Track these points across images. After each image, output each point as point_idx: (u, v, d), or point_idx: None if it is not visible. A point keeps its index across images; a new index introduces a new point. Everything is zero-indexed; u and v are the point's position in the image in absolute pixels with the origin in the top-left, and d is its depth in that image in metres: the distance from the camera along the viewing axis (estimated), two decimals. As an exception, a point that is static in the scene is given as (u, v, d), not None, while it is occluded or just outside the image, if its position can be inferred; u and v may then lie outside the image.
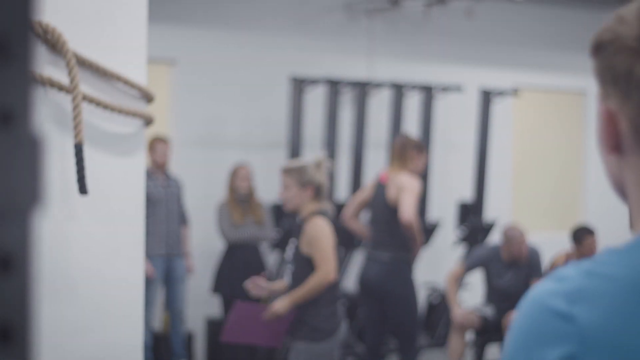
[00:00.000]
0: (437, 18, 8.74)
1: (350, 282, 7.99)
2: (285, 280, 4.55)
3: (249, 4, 8.11)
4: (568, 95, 9.77)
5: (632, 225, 0.98)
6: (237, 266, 7.05)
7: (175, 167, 7.66)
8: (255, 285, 4.52)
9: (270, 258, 7.57)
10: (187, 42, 7.90)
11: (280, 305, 4.34)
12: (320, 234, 4.43)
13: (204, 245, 7.68)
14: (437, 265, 8.51)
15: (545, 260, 7.06)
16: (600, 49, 0.95)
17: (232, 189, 7.18)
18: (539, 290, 0.94)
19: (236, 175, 7.21)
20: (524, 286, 6.63)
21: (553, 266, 6.73)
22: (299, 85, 7.57)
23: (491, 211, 8.76)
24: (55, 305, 2.75)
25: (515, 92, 8.53)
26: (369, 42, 8.55)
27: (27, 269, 0.53)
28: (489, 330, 6.82)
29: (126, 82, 2.90)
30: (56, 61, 2.70)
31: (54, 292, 2.74)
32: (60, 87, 2.70)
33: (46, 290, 2.68)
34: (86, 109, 2.78)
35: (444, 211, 8.54)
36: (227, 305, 7.09)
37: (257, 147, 8.06)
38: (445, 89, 8.19)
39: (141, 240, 2.96)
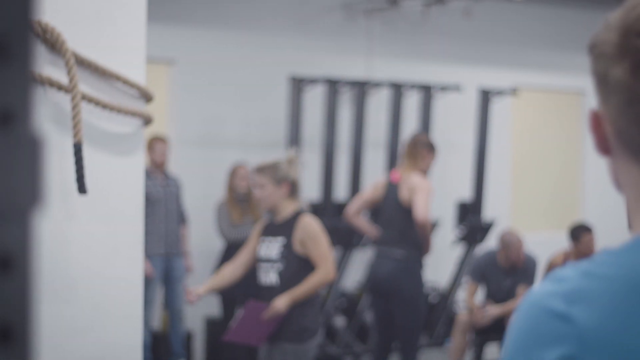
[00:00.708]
0: (435, 18, 8.74)
1: (350, 281, 7.99)
2: (265, 279, 4.48)
3: (248, 4, 8.11)
4: (567, 95, 9.77)
5: (630, 226, 0.99)
6: (236, 266, 7.05)
7: (175, 167, 7.66)
8: (191, 294, 4.48)
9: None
10: (186, 42, 7.90)
11: (282, 303, 4.32)
12: (318, 233, 4.42)
13: (203, 244, 7.68)
14: (436, 264, 8.51)
15: (543, 260, 7.06)
16: (589, 53, 0.98)
17: (231, 188, 7.18)
18: (537, 291, 0.94)
19: (235, 174, 7.21)
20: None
21: (551, 266, 6.73)
22: (298, 84, 7.57)
23: (490, 211, 8.77)
24: (55, 305, 2.75)
25: (514, 91, 8.53)
26: (368, 42, 8.55)
27: (28, 269, 0.53)
28: (488, 330, 6.82)
29: (125, 82, 2.90)
30: (55, 61, 2.70)
31: (53, 291, 2.74)
32: (60, 87, 2.70)
33: (45, 290, 2.68)
34: (85, 108, 2.78)
35: (443, 211, 8.54)
36: (226, 304, 7.09)
37: (256, 147, 8.06)
38: (444, 88, 8.19)
39: (140, 239, 2.96)
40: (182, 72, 7.91)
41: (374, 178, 8.00)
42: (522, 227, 9.46)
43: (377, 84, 7.91)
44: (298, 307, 4.38)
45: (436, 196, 8.62)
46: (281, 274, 4.41)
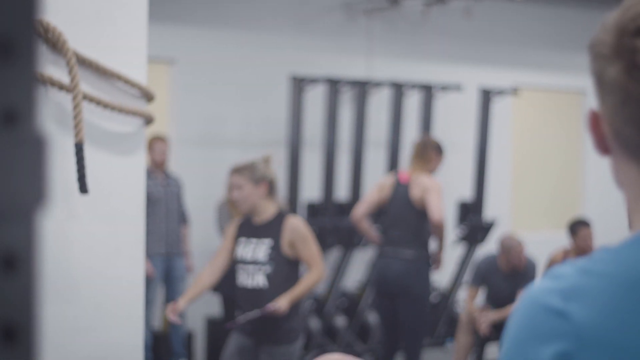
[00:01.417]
0: (436, 17, 8.74)
1: (350, 281, 7.99)
2: (250, 281, 4.46)
3: (248, 4, 8.11)
4: (568, 95, 9.77)
5: (629, 224, 1.00)
6: (236, 265, 7.05)
7: (175, 167, 7.66)
8: (171, 313, 4.45)
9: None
10: (186, 42, 7.90)
11: (284, 304, 4.30)
12: (307, 233, 4.42)
13: (204, 244, 7.68)
14: (436, 264, 8.51)
15: (543, 260, 7.06)
16: (589, 54, 0.99)
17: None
18: (535, 288, 0.95)
19: (236, 174, 7.21)
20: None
21: (551, 263, 6.73)
22: (299, 84, 7.57)
23: (491, 210, 8.76)
24: (56, 305, 2.75)
25: (514, 91, 8.53)
26: (368, 42, 8.55)
27: (32, 268, 0.53)
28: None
29: (126, 81, 2.90)
30: (56, 60, 2.70)
31: (55, 291, 2.75)
32: (61, 87, 2.70)
33: (47, 289, 2.68)
34: (86, 108, 2.78)
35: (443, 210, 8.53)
36: (227, 304, 7.09)
37: (257, 147, 8.06)
38: (445, 88, 8.19)
39: (142, 239, 2.96)
40: (183, 72, 7.91)
41: (374, 178, 7.99)
42: (522, 226, 9.46)
43: (377, 84, 7.90)
44: (288, 309, 4.38)
45: (437, 196, 8.63)
46: (270, 277, 4.38)
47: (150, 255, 6.70)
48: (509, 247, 6.59)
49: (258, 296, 4.38)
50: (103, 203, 2.87)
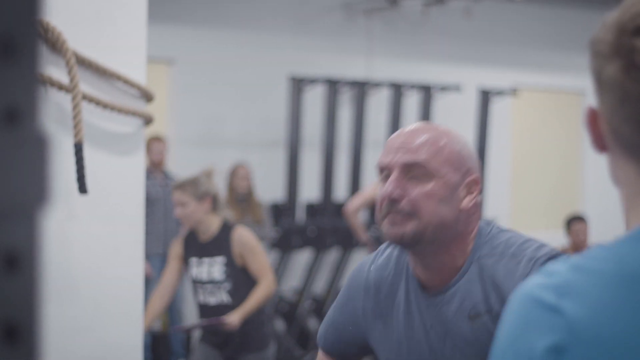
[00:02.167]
0: (435, 18, 8.74)
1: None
2: (212, 299, 4.44)
3: (248, 4, 8.11)
4: (567, 95, 9.78)
5: (626, 223, 1.01)
6: (236, 265, 7.05)
7: (174, 167, 7.66)
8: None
9: (269, 257, 7.57)
10: (185, 42, 7.90)
11: (236, 320, 4.28)
12: (254, 244, 4.39)
13: (203, 244, 7.68)
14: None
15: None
16: (589, 52, 1.00)
17: (231, 188, 7.18)
18: (528, 284, 0.96)
19: (235, 174, 7.21)
20: None
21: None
22: (298, 84, 7.57)
23: (490, 210, 8.77)
24: (55, 305, 2.75)
25: (514, 91, 8.53)
26: (367, 42, 8.55)
27: (34, 268, 0.53)
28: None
29: (126, 82, 2.90)
30: (56, 60, 2.70)
31: (54, 291, 2.75)
32: (60, 87, 2.70)
33: (46, 289, 2.68)
34: (86, 108, 2.78)
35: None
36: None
37: (256, 147, 8.06)
38: (444, 88, 8.19)
39: (141, 239, 2.96)
40: (182, 72, 7.91)
41: (373, 178, 7.99)
42: (521, 226, 9.46)
43: (377, 84, 7.91)
44: (256, 318, 4.37)
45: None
46: (231, 292, 4.37)
47: (148, 255, 6.70)
48: None
49: (224, 312, 4.36)
50: (102, 203, 2.87)
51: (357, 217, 6.18)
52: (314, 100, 7.87)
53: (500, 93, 8.42)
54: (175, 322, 7.13)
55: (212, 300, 4.43)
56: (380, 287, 1.94)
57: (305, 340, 7.33)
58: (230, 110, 8.06)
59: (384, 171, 1.83)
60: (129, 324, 2.96)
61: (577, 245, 6.65)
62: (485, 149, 8.39)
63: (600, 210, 9.42)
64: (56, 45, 2.67)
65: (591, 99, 9.46)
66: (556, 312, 0.92)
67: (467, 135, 8.70)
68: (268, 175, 7.94)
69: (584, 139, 9.73)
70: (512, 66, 9.34)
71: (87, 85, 2.81)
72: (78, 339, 2.84)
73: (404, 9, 8.65)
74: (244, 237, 4.39)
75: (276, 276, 7.42)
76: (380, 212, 1.82)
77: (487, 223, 1.89)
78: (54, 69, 2.70)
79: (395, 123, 7.91)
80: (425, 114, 8.11)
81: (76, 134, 2.65)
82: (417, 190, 1.78)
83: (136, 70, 2.94)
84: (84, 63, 2.79)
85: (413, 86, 8.04)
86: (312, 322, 7.41)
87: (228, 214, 4.54)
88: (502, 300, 1.74)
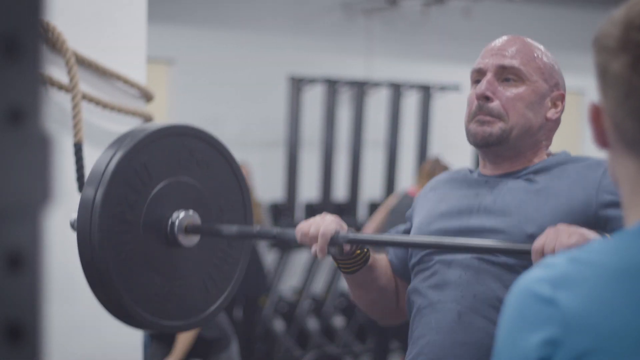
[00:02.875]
0: (435, 18, 8.75)
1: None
2: None
3: (247, 4, 8.11)
4: (566, 95, 9.78)
5: (625, 219, 1.01)
6: (235, 265, 7.05)
7: (174, 167, 7.66)
8: None
9: (269, 257, 7.58)
10: (185, 42, 7.90)
11: None
12: None
13: (202, 244, 7.68)
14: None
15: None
16: (592, 47, 1.00)
17: (231, 188, 7.18)
18: (526, 276, 0.97)
19: (234, 174, 7.21)
20: None
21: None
22: (297, 84, 7.57)
23: (489, 210, 8.77)
24: (55, 304, 2.75)
25: (513, 91, 8.53)
26: (367, 42, 8.55)
27: (37, 267, 0.54)
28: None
29: (126, 81, 2.90)
30: (56, 60, 2.70)
31: (54, 291, 2.75)
32: (60, 86, 2.70)
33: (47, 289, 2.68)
34: (86, 108, 2.78)
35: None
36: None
37: (256, 147, 8.06)
38: (443, 88, 8.19)
39: (141, 239, 2.96)
40: (182, 72, 7.91)
41: (373, 178, 8.00)
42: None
43: (376, 84, 7.91)
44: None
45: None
46: None
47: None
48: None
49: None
50: (102, 203, 2.87)
51: None
52: (314, 100, 7.87)
53: (499, 93, 8.41)
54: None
55: None
56: (438, 185, 2.03)
57: (304, 340, 7.34)
58: (230, 110, 8.06)
59: (476, 75, 1.94)
60: (128, 323, 2.96)
61: None
62: (484, 148, 8.39)
63: (600, 210, 9.42)
64: (56, 45, 2.67)
65: (590, 99, 9.46)
66: (551, 304, 0.92)
67: (467, 135, 8.71)
68: (267, 175, 7.94)
69: (584, 138, 9.74)
70: (511, 66, 9.35)
71: (87, 85, 2.81)
72: (78, 338, 2.84)
73: (403, 9, 8.65)
74: None
75: (276, 276, 7.42)
76: (469, 112, 1.92)
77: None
78: (54, 69, 2.70)
79: (394, 123, 7.91)
80: (425, 114, 8.11)
81: (76, 134, 2.66)
82: (508, 92, 1.88)
83: (136, 70, 2.94)
84: (84, 63, 2.79)
85: (412, 86, 8.05)
86: (311, 322, 7.41)
87: None
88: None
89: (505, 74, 1.90)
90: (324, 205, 7.60)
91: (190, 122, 6.99)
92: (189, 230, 2.11)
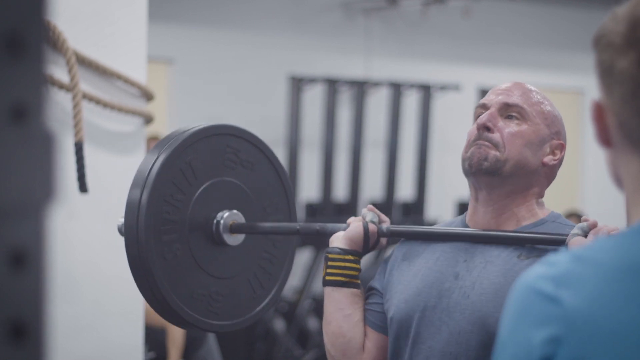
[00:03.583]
0: (435, 17, 8.75)
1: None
2: None
3: (247, 4, 8.11)
4: (566, 95, 9.78)
5: (628, 218, 1.01)
6: (235, 265, 7.05)
7: (174, 166, 7.65)
8: None
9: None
10: (185, 41, 7.90)
11: None
12: None
13: (202, 244, 7.68)
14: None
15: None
16: (594, 45, 0.99)
17: (231, 187, 7.18)
18: (529, 274, 0.97)
19: (234, 174, 7.21)
20: None
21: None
22: (297, 84, 7.57)
23: (489, 210, 8.76)
24: (56, 304, 2.75)
25: (513, 91, 8.52)
26: (366, 41, 8.55)
27: (41, 265, 0.53)
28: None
29: (126, 81, 2.90)
30: (56, 59, 2.70)
31: (54, 290, 2.75)
32: (61, 86, 2.70)
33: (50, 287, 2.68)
34: (86, 107, 2.78)
35: (442, 210, 8.54)
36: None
37: (255, 146, 8.05)
38: (443, 87, 8.19)
39: (141, 238, 2.96)
40: (181, 72, 7.91)
41: (373, 177, 8.00)
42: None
43: (376, 84, 7.90)
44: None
45: (435, 195, 8.62)
46: None
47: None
48: None
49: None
50: (103, 202, 2.87)
51: None
52: (313, 99, 7.87)
53: (499, 92, 8.41)
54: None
55: None
56: (410, 255, 1.97)
57: (305, 339, 7.34)
58: (229, 110, 8.06)
59: (479, 110, 1.96)
60: (129, 322, 2.96)
61: None
62: (484, 148, 8.39)
63: (599, 209, 9.42)
64: (57, 45, 2.67)
65: (590, 98, 9.46)
66: (554, 302, 0.92)
67: (466, 134, 8.71)
68: (267, 174, 7.93)
69: (583, 137, 9.74)
70: (511, 66, 9.35)
71: (87, 84, 2.81)
72: (78, 337, 2.84)
73: (403, 9, 8.65)
74: None
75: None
76: (467, 143, 1.93)
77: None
78: (54, 68, 2.70)
79: (394, 122, 7.91)
80: (425, 113, 8.11)
81: (76, 133, 2.65)
82: (509, 128, 1.89)
83: (136, 69, 2.94)
84: (85, 62, 2.79)
85: (412, 85, 8.04)
86: (311, 322, 7.41)
87: None
88: None
89: (509, 111, 1.91)
90: (324, 205, 7.60)
91: (191, 122, 6.98)
92: (233, 229, 2.12)
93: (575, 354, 0.90)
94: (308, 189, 7.90)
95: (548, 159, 1.93)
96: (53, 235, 2.70)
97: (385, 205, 7.72)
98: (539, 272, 0.95)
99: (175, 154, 2.06)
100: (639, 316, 0.89)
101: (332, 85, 7.61)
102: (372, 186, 8.08)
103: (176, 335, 4.30)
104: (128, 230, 2.01)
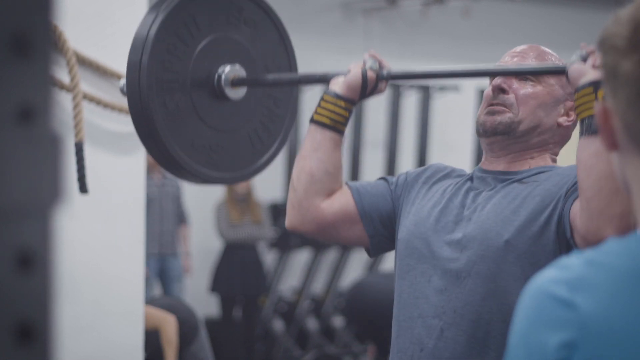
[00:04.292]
0: (434, 17, 8.75)
1: (347, 282, 8.00)
2: None
3: (246, 3, 8.11)
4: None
5: (636, 221, 1.00)
6: (235, 266, 7.05)
7: (173, 166, 7.65)
8: None
9: (268, 257, 7.58)
10: (184, 41, 7.90)
11: None
12: None
13: (202, 244, 7.68)
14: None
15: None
16: (598, 48, 1.00)
17: (230, 188, 7.18)
18: (541, 278, 0.96)
19: (234, 174, 7.20)
20: None
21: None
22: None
23: (488, 210, 8.77)
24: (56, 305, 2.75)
25: (512, 91, 8.53)
26: (366, 41, 8.55)
27: (49, 266, 0.53)
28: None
29: (126, 81, 2.90)
30: (57, 60, 2.70)
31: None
32: (61, 86, 2.70)
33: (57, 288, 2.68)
34: (86, 107, 2.78)
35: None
36: (225, 304, 7.09)
37: (255, 146, 8.05)
38: (443, 88, 8.19)
39: (141, 238, 2.96)
40: (181, 72, 7.91)
41: (372, 178, 7.99)
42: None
43: (375, 84, 7.90)
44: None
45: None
46: None
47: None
48: None
49: None
50: (103, 202, 2.87)
51: None
52: (313, 100, 7.86)
53: (498, 93, 8.41)
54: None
55: None
56: (437, 172, 2.03)
57: (304, 340, 7.34)
58: (229, 110, 8.06)
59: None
60: (129, 323, 2.96)
61: None
62: (483, 148, 8.39)
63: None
64: (57, 45, 2.67)
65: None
66: (569, 306, 0.91)
67: (466, 134, 8.72)
68: (267, 174, 7.92)
69: (583, 138, 9.75)
70: (510, 66, 9.35)
71: (87, 84, 2.81)
72: (79, 338, 2.84)
73: (402, 9, 8.65)
74: None
75: (275, 276, 7.43)
76: (483, 106, 1.94)
77: None
78: (55, 69, 2.70)
79: (393, 123, 7.91)
80: (424, 114, 8.11)
81: (77, 134, 2.65)
82: (523, 90, 1.92)
83: (137, 69, 2.93)
84: (85, 62, 2.79)
85: (412, 86, 8.05)
86: (311, 322, 7.41)
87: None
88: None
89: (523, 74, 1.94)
90: (323, 205, 7.60)
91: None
92: (235, 82, 2.15)
93: (591, 359, 0.89)
94: (307, 189, 7.89)
95: (562, 119, 1.95)
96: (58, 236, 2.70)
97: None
98: (552, 275, 0.94)
99: (179, 6, 2.07)
100: None
101: (332, 85, 7.61)
102: (372, 186, 8.09)
103: (170, 335, 4.30)
104: (130, 82, 2.03)
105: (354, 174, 7.75)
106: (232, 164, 2.18)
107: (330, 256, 7.77)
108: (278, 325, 7.32)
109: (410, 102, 8.34)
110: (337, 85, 2.00)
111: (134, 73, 2.02)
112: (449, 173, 2.02)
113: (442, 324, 1.83)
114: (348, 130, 7.83)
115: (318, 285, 7.75)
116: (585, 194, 1.69)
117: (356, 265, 7.97)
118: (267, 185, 7.80)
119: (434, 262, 1.87)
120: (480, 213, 1.87)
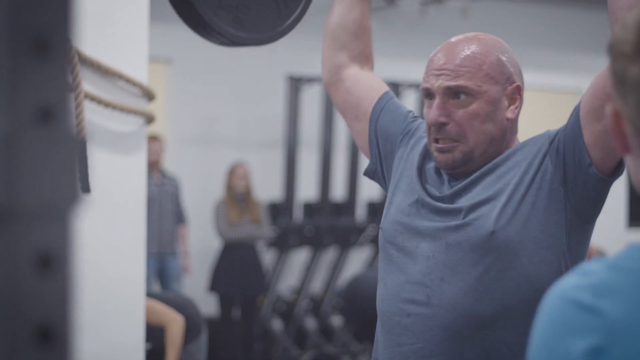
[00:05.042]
0: (433, 17, 8.75)
1: (345, 282, 8.00)
2: None
3: (245, 3, 8.11)
4: (565, 95, 9.80)
5: None
6: (234, 265, 7.05)
7: (172, 166, 7.65)
8: None
9: (267, 257, 7.58)
10: (183, 41, 7.88)
11: None
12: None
13: (201, 244, 7.68)
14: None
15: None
16: (608, 54, 1.00)
17: (230, 187, 7.18)
18: (563, 284, 0.96)
19: (234, 174, 7.21)
20: None
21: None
22: (296, 83, 7.56)
23: (487, 210, 8.77)
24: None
25: (511, 91, 8.53)
26: (365, 41, 8.55)
27: (68, 267, 0.53)
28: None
29: (128, 81, 2.90)
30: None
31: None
32: (63, 86, 2.70)
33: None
34: (88, 107, 2.78)
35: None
36: (224, 304, 7.09)
37: (254, 146, 8.06)
38: (442, 88, 8.19)
39: (142, 238, 2.96)
40: (180, 71, 7.90)
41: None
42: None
43: (374, 84, 7.90)
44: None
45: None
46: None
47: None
48: None
49: None
50: (104, 202, 2.87)
51: None
52: (312, 99, 7.87)
53: (497, 93, 8.42)
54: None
55: None
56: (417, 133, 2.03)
57: (302, 339, 7.34)
58: (228, 110, 8.06)
59: (425, 94, 1.93)
60: (130, 322, 2.96)
61: None
62: (482, 148, 8.40)
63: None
64: (58, 44, 2.67)
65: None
66: (594, 312, 0.91)
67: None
68: (266, 174, 7.93)
69: (581, 138, 9.76)
70: (509, 66, 9.36)
71: (89, 84, 2.81)
72: (80, 337, 2.84)
73: (401, 9, 8.65)
74: None
75: (274, 275, 7.42)
76: (428, 133, 1.89)
77: None
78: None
79: (392, 122, 7.90)
80: (423, 113, 8.10)
81: (78, 133, 2.65)
82: (461, 113, 1.83)
83: (138, 69, 2.94)
84: (86, 62, 2.79)
85: (410, 85, 8.05)
86: (309, 322, 7.41)
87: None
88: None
89: (454, 91, 1.85)
90: (322, 204, 7.60)
91: (189, 122, 6.98)
92: None
93: None
94: (306, 189, 7.90)
95: (510, 111, 1.90)
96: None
97: (384, 206, 7.72)
98: (574, 282, 0.94)
99: None
100: None
101: (331, 85, 7.60)
102: (371, 186, 8.08)
103: (175, 336, 4.30)
104: None
105: (353, 174, 7.75)
106: (257, 24, 2.19)
107: (328, 255, 7.77)
108: (277, 324, 7.32)
109: (409, 101, 8.34)
110: None
111: None
112: (420, 138, 2.00)
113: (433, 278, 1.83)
114: (346, 130, 7.79)
115: (317, 285, 7.76)
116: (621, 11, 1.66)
117: (355, 265, 7.97)
118: (266, 184, 7.81)
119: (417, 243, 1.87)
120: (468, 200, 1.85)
